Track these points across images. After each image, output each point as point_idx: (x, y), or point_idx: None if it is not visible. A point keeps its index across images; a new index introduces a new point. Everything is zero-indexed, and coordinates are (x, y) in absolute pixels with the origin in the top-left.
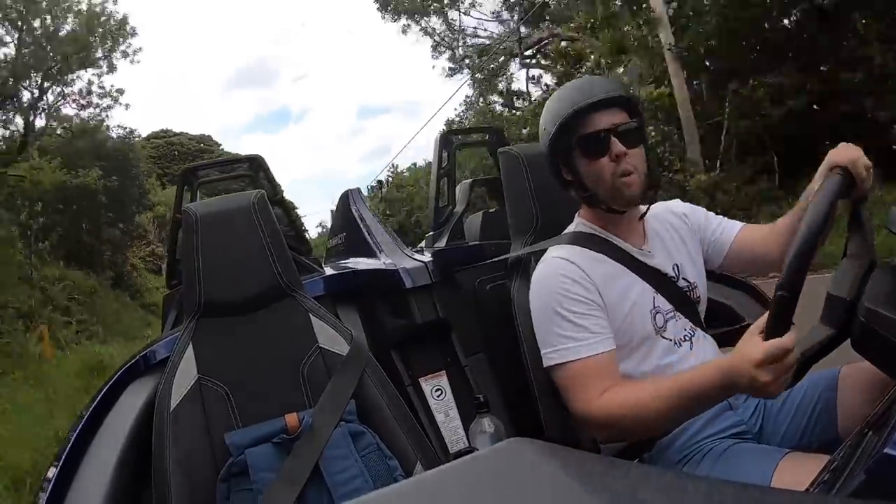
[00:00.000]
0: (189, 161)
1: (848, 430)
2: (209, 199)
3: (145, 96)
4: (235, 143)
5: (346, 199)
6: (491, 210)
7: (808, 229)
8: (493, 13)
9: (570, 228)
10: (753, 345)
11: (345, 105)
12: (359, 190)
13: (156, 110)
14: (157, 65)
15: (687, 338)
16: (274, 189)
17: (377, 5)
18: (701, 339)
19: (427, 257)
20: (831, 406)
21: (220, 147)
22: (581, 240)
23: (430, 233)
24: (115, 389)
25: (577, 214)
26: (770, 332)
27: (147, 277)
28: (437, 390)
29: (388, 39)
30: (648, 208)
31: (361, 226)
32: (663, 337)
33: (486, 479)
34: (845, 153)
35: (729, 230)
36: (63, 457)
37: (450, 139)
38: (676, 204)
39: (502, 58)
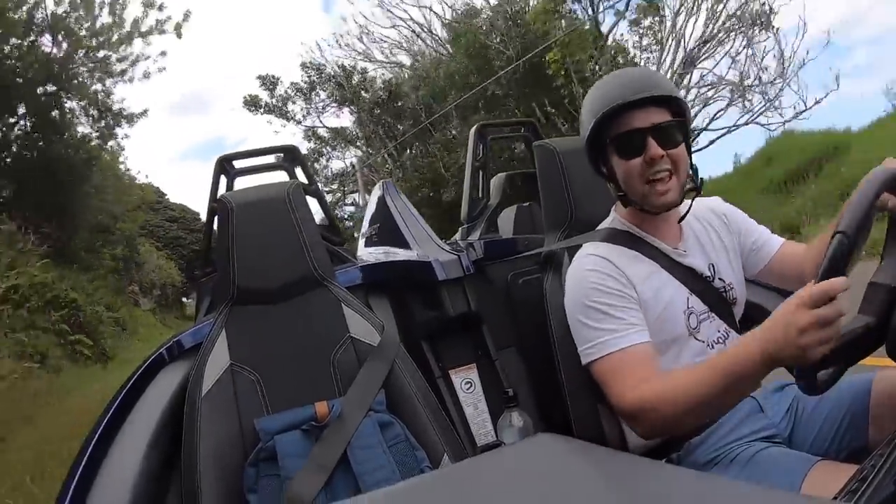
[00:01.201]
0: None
1: (879, 438)
2: (245, 188)
3: None
4: (167, 170)
5: (381, 190)
6: (525, 204)
7: (867, 183)
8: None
9: (605, 224)
10: (793, 303)
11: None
12: (392, 182)
13: None
14: None
15: (721, 340)
16: (309, 180)
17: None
18: (735, 341)
19: (460, 250)
20: (863, 412)
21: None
22: (615, 237)
23: (465, 225)
24: (148, 374)
25: (612, 209)
26: (824, 276)
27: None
28: (466, 383)
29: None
30: (688, 211)
31: (395, 217)
32: (696, 338)
33: (512, 473)
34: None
35: (772, 243)
36: (94, 439)
37: (484, 132)
38: (716, 202)
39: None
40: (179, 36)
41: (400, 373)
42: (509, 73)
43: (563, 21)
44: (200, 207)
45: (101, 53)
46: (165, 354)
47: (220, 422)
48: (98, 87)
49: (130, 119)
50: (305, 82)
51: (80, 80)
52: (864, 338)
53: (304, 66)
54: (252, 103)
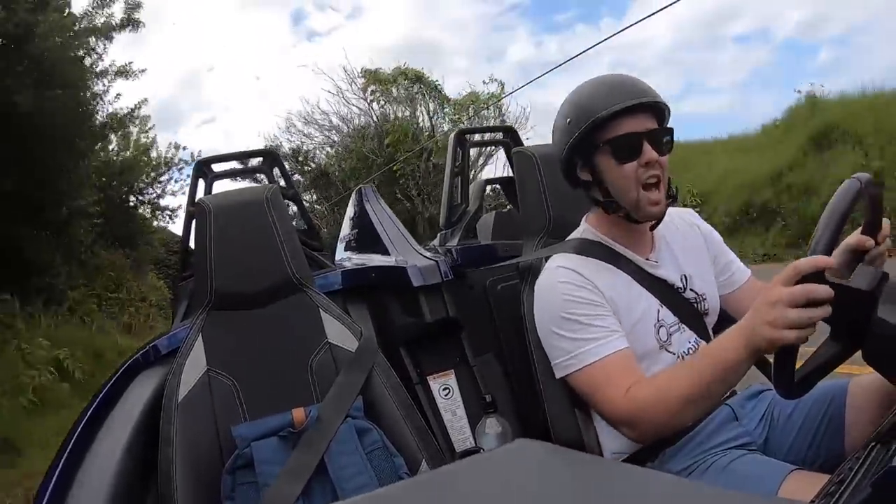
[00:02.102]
0: None
1: (855, 443)
2: (223, 192)
3: None
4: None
5: (360, 195)
6: (504, 210)
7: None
8: None
9: (576, 234)
10: (772, 281)
11: (251, 148)
12: (372, 187)
13: None
14: None
15: (691, 351)
16: (288, 183)
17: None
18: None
19: (439, 256)
20: (839, 418)
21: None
22: (586, 248)
23: (443, 231)
24: (124, 379)
25: (584, 219)
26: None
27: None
28: (444, 389)
29: (294, 85)
30: (660, 220)
31: (374, 222)
32: (668, 351)
33: (491, 480)
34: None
35: (741, 273)
36: (70, 445)
37: (464, 138)
38: (691, 214)
39: None
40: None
41: (378, 379)
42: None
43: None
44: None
45: None
46: (142, 359)
47: (197, 428)
48: None
49: None
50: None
51: None
52: (840, 355)
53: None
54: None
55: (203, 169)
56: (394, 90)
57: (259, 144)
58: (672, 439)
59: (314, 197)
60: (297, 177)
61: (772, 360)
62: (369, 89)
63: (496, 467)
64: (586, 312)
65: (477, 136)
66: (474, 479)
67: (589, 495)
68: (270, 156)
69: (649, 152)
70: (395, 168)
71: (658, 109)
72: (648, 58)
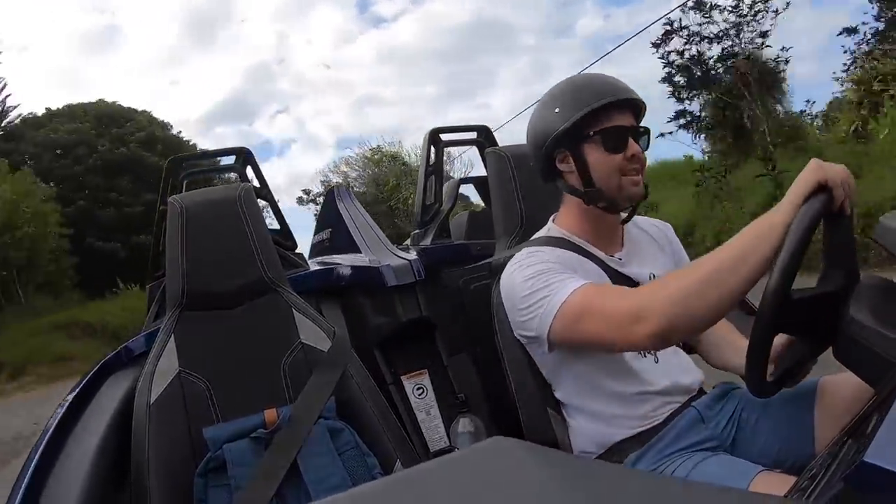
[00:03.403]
0: None
1: (825, 442)
2: (195, 190)
3: None
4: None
5: (332, 195)
6: (477, 209)
7: (789, 255)
8: None
9: (542, 233)
10: None
11: (322, 136)
12: (346, 186)
13: None
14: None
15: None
16: (261, 183)
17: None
18: (669, 351)
19: (412, 255)
20: (809, 417)
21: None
22: (553, 243)
23: (416, 231)
24: (96, 381)
25: (550, 219)
26: None
27: None
28: (418, 389)
29: (363, 72)
30: (632, 215)
31: (347, 222)
32: None
33: (466, 479)
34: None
35: None
36: (41, 448)
37: (438, 137)
38: (665, 226)
39: None
40: None
41: (351, 379)
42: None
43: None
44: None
45: None
46: (114, 360)
47: (170, 430)
48: None
49: None
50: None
51: None
52: (809, 355)
53: (324, 184)
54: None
55: (175, 167)
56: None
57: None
58: (638, 438)
59: None
60: None
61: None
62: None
63: (470, 466)
64: (551, 268)
65: (452, 136)
66: (449, 478)
67: (565, 493)
68: (243, 154)
69: (634, 146)
70: (391, 205)
71: (637, 110)
72: None
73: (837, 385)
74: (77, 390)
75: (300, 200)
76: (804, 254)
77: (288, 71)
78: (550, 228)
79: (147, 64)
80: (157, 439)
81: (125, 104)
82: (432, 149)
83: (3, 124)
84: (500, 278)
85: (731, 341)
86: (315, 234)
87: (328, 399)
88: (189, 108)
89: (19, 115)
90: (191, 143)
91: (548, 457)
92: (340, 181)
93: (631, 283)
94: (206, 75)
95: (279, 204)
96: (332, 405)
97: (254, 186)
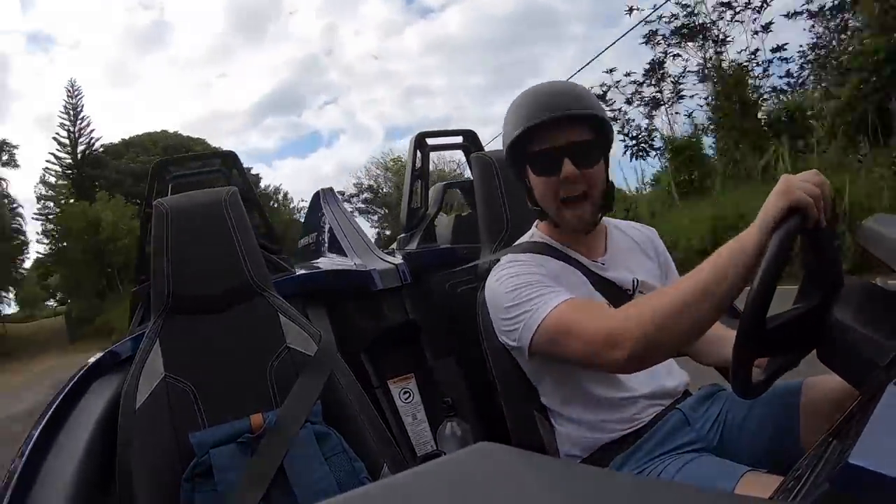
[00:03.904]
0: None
1: (810, 443)
2: (181, 194)
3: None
4: (268, 171)
5: (318, 199)
6: (463, 213)
7: (762, 285)
8: None
9: (526, 238)
10: None
11: (372, 127)
12: (331, 190)
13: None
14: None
15: None
16: (247, 186)
17: None
18: None
19: (398, 259)
20: (794, 419)
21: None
22: (535, 248)
23: (402, 234)
24: (81, 386)
25: (534, 225)
26: None
27: None
28: (405, 393)
29: (411, 63)
30: (601, 217)
31: (333, 226)
32: None
33: (453, 483)
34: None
35: None
36: (26, 454)
37: (424, 141)
38: (649, 229)
39: None
40: None
41: (337, 383)
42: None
43: None
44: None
45: None
46: (99, 365)
47: (155, 436)
48: None
49: None
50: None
51: None
52: (794, 357)
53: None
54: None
55: (161, 171)
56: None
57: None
58: (624, 441)
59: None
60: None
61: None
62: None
63: (457, 470)
64: (535, 280)
65: (438, 141)
66: (435, 483)
67: (551, 497)
68: (229, 157)
69: (568, 167)
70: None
71: (595, 120)
72: None
73: (822, 386)
74: (62, 395)
75: None
76: (778, 280)
77: (336, 62)
78: (534, 233)
79: (196, 58)
80: (143, 444)
81: (184, 134)
82: (418, 153)
83: (89, 154)
84: (485, 283)
85: (722, 335)
86: (301, 238)
87: (315, 403)
88: (238, 100)
89: (101, 147)
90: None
91: (534, 461)
92: (372, 183)
93: (614, 287)
94: (255, 67)
95: None
96: (319, 409)
97: (240, 190)
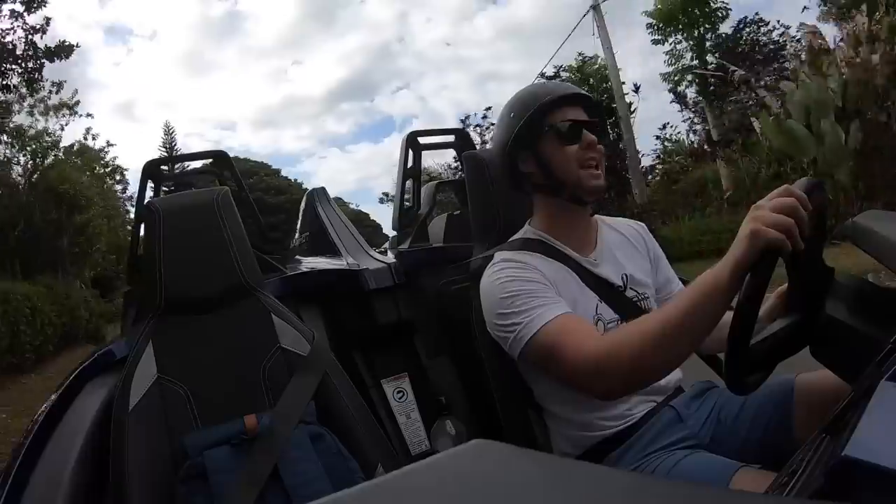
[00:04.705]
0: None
1: (804, 439)
2: (173, 194)
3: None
4: (340, 154)
5: (312, 198)
6: (455, 213)
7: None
8: None
9: (519, 235)
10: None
11: (445, 112)
12: (324, 189)
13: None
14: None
15: None
16: (239, 186)
17: None
18: None
19: (390, 259)
20: (787, 414)
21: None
22: (528, 245)
23: (394, 234)
24: (73, 388)
25: (527, 223)
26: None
27: None
28: (398, 392)
29: (483, 49)
30: (596, 203)
31: (326, 226)
32: None
33: (447, 481)
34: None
35: (674, 287)
36: (20, 458)
37: (416, 140)
38: (640, 226)
39: None
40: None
41: (331, 383)
42: None
43: None
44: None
45: None
46: (92, 366)
47: (149, 438)
48: None
49: None
50: None
51: None
52: (790, 337)
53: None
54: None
55: (153, 171)
56: None
57: None
58: (618, 438)
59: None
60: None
61: (722, 357)
62: None
63: (451, 469)
64: (530, 289)
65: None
66: (430, 482)
67: (546, 494)
68: (221, 158)
69: (589, 136)
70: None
71: (591, 107)
72: None
73: (815, 381)
74: (55, 398)
75: (381, 200)
76: (757, 314)
77: (408, 49)
78: (527, 230)
79: (270, 46)
80: (136, 447)
81: (254, 159)
82: (410, 152)
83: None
84: (478, 282)
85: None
86: (294, 237)
87: (308, 404)
88: (312, 87)
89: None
90: (297, 182)
91: (528, 458)
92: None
93: (605, 283)
94: (328, 55)
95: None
96: (313, 410)
97: (232, 190)
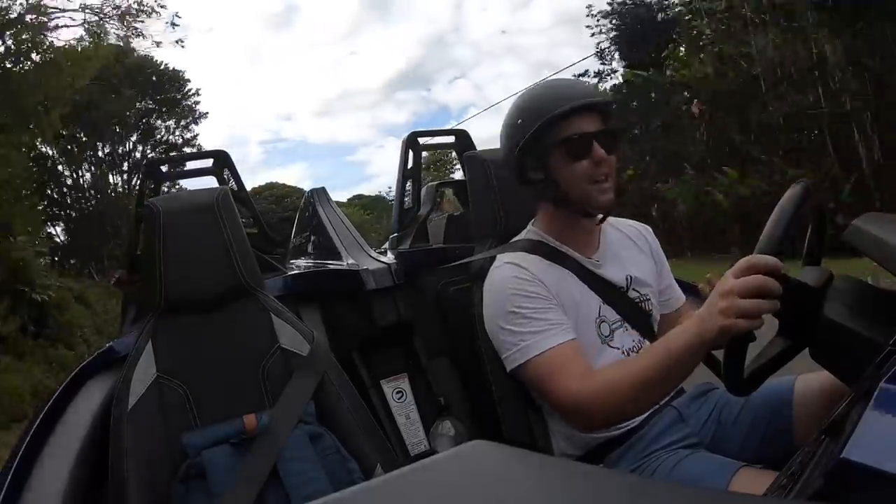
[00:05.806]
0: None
1: (803, 440)
2: (173, 193)
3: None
4: (397, 143)
5: (311, 198)
6: (456, 213)
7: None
8: None
9: (521, 236)
10: (724, 278)
11: (501, 100)
12: (323, 189)
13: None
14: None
15: (635, 349)
16: (239, 186)
17: None
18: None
19: (390, 259)
20: (787, 415)
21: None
22: (530, 247)
23: (394, 234)
24: (73, 388)
25: (530, 223)
26: (757, 252)
27: None
28: (398, 392)
29: (539, 37)
30: (606, 216)
31: (326, 226)
32: (610, 346)
33: (446, 482)
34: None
35: (678, 298)
36: (19, 456)
37: (416, 140)
38: (642, 226)
39: None
40: None
41: (330, 383)
42: None
43: None
44: None
45: None
46: (91, 366)
47: (148, 437)
48: None
49: None
50: None
51: None
52: (786, 354)
53: None
54: None
55: (152, 170)
56: None
57: None
58: (619, 438)
59: None
60: None
61: (721, 358)
62: None
63: (450, 469)
64: (533, 306)
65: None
66: (429, 482)
67: (545, 495)
68: (221, 157)
69: (599, 151)
70: None
71: (605, 111)
72: None
73: (814, 383)
74: (54, 397)
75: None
76: (782, 240)
77: (463, 38)
78: (529, 231)
79: (326, 37)
80: (136, 446)
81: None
82: (410, 153)
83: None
84: (480, 282)
85: None
86: (294, 238)
87: (307, 404)
88: (370, 77)
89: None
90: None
91: (527, 459)
92: None
93: (608, 284)
94: (385, 45)
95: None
96: (312, 410)
97: (232, 190)
